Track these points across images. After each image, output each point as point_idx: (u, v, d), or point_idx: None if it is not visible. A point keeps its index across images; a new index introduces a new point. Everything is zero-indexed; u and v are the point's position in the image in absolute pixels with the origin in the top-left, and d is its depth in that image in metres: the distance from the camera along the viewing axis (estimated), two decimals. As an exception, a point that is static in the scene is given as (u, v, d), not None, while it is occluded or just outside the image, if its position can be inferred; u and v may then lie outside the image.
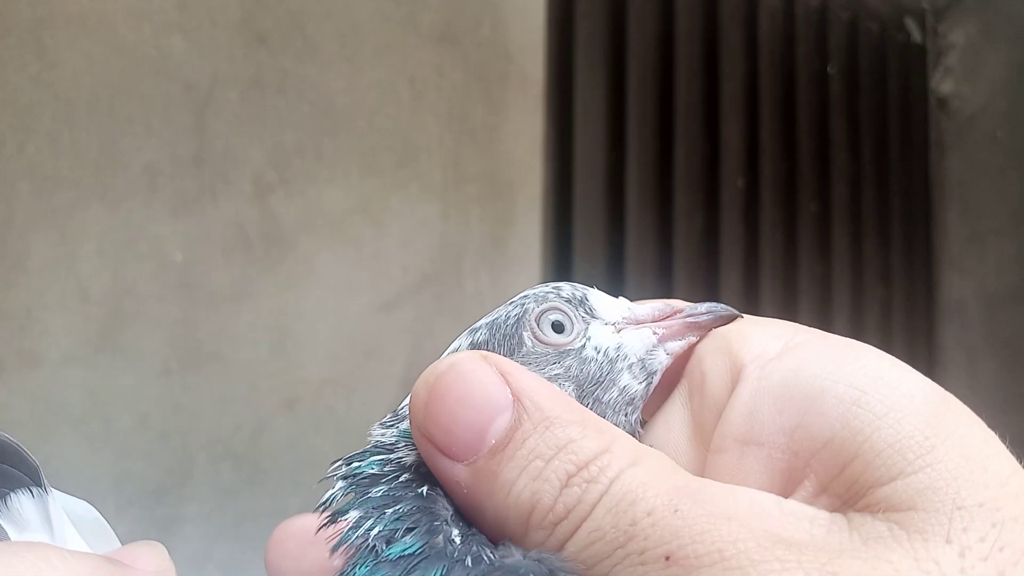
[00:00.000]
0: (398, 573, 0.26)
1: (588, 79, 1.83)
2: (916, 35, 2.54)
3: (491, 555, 0.26)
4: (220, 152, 1.42)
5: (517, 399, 0.27)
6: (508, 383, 0.28)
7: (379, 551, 0.27)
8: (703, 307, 0.33)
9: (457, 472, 0.27)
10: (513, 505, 0.26)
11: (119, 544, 0.34)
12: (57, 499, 0.33)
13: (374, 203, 1.55)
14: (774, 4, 2.17)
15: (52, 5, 1.30)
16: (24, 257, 1.27)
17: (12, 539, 0.30)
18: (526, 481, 0.26)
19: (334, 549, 0.27)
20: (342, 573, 0.27)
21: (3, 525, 0.30)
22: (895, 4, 2.48)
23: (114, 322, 1.32)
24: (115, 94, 1.34)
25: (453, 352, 0.34)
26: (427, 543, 0.26)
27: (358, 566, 0.27)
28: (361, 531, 0.27)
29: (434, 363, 0.29)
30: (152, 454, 1.34)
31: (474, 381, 0.28)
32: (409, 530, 0.27)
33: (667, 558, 0.24)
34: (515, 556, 0.26)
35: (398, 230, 1.57)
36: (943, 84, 2.57)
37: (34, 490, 0.32)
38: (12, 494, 0.31)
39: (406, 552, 0.26)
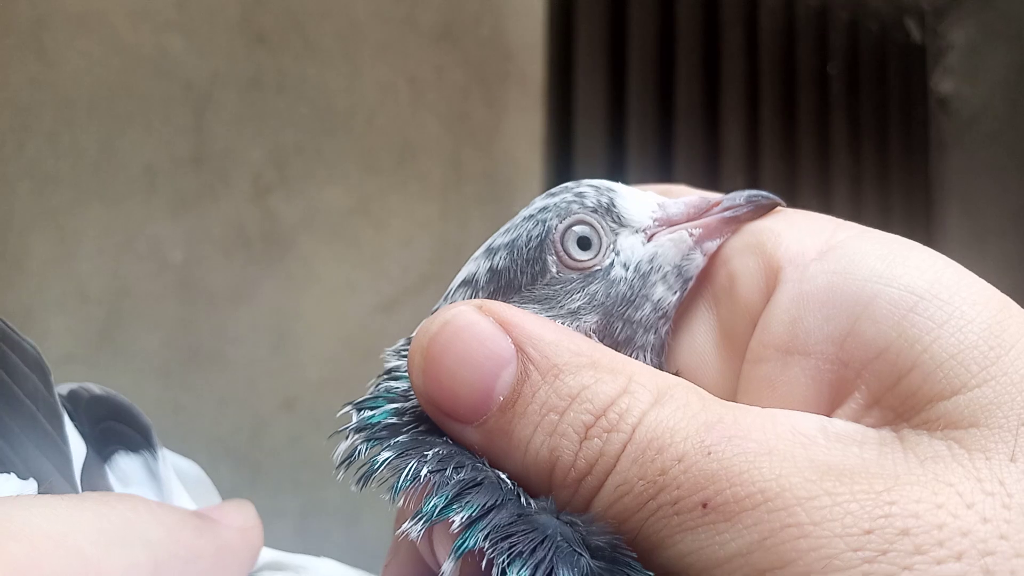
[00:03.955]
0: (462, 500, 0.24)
1: (588, 79, 1.83)
2: (916, 35, 2.53)
3: (532, 504, 0.24)
4: (220, 152, 1.42)
5: (520, 349, 0.25)
6: (509, 332, 0.25)
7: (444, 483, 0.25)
8: (742, 197, 0.30)
9: (469, 435, 0.26)
10: (532, 464, 0.25)
11: (219, 500, 0.37)
12: (167, 457, 0.37)
13: (374, 203, 1.55)
14: (774, 4, 2.17)
15: (52, 5, 1.29)
16: (24, 257, 1.27)
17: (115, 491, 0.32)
18: (542, 438, 0.24)
19: (395, 497, 0.25)
20: (421, 511, 0.24)
21: (111, 479, 0.33)
22: (895, 4, 2.48)
23: (113, 322, 1.32)
24: (115, 94, 1.34)
25: (461, 286, 0.32)
26: (484, 476, 0.25)
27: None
28: (409, 472, 0.25)
29: (426, 321, 0.27)
30: (152, 454, 1.34)
31: (471, 337, 0.25)
32: (457, 468, 0.25)
33: (704, 506, 0.22)
34: (548, 514, 0.24)
35: (398, 230, 1.57)
36: (943, 84, 2.57)
37: (142, 449, 0.36)
38: (119, 452, 0.35)
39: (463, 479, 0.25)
